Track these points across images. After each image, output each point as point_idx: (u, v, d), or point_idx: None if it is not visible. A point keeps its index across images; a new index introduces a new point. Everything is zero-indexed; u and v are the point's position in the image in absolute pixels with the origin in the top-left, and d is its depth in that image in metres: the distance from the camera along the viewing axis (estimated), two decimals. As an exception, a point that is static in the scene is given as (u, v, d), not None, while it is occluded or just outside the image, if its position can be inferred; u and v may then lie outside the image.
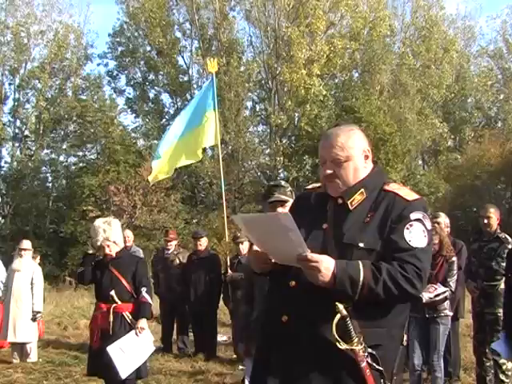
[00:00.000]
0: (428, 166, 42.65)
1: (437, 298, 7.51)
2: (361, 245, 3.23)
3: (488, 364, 8.26)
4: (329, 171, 3.42)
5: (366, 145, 3.53)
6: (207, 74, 35.87)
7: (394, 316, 3.27)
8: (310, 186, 3.80)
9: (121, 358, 7.02)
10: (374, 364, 3.15)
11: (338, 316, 3.07)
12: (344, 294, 3.10)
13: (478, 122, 45.30)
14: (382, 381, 3.19)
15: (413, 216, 3.28)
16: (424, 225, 3.30)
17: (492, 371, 8.21)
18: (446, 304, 7.70)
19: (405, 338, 3.41)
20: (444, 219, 8.88)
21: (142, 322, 7.26)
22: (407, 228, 3.25)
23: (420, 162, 43.43)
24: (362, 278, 3.08)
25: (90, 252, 7.57)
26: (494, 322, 7.90)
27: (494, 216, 8.24)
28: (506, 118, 44.12)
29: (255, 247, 3.41)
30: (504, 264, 7.48)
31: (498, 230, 8.26)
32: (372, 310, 3.17)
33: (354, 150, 3.44)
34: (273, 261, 3.36)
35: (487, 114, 45.34)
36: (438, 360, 7.62)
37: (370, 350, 3.14)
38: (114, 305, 7.24)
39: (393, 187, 3.43)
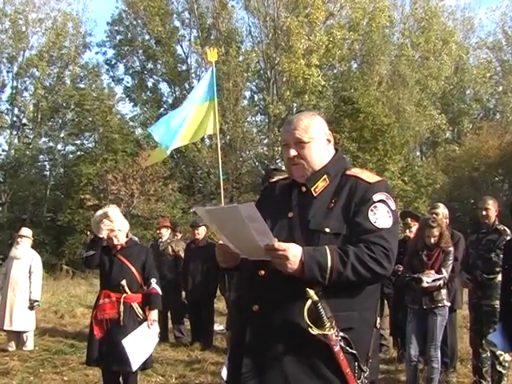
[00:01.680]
0: (426, 158, 42.71)
1: (434, 283, 7.52)
2: (327, 230, 3.27)
3: (484, 355, 8.26)
4: (293, 152, 3.46)
5: (327, 129, 3.59)
6: (206, 64, 35.88)
7: (364, 299, 3.30)
8: (274, 179, 3.84)
9: (134, 351, 6.94)
10: (347, 348, 3.18)
11: (310, 302, 3.09)
12: (313, 280, 3.11)
13: (477, 113, 45.36)
14: (355, 364, 3.22)
15: (376, 197, 3.34)
16: (388, 205, 3.36)
17: (488, 362, 8.21)
18: (444, 295, 7.71)
19: (378, 320, 3.44)
20: (443, 210, 8.86)
21: (154, 314, 7.18)
22: (371, 210, 3.30)
23: (418, 154, 43.52)
24: (329, 263, 3.11)
25: (100, 236, 7.39)
26: (491, 313, 7.89)
27: (492, 208, 8.23)
28: (505, 110, 44.17)
29: (221, 241, 3.41)
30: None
31: (497, 222, 8.25)
32: (342, 294, 3.20)
33: (317, 133, 3.51)
34: (240, 256, 3.37)
35: (486, 105, 45.41)
36: (435, 351, 7.62)
37: (342, 333, 3.16)
38: (124, 295, 7.10)
39: (354, 172, 3.49)
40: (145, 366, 7.39)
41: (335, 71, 41.09)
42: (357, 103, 32.57)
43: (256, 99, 41.57)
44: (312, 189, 3.43)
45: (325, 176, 3.45)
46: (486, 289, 8.05)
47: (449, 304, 7.85)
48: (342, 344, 3.16)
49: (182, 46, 41.14)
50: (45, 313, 15.07)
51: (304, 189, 3.46)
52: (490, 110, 45.97)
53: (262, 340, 3.25)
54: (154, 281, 7.27)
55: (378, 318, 3.45)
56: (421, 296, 7.62)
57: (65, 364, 9.92)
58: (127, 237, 7.49)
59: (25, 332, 11.37)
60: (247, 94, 40.79)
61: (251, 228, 3.09)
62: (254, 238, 3.12)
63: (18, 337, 11.40)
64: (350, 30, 37.95)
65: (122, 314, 7.05)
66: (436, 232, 7.67)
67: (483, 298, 8.09)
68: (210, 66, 12.36)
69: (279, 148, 36.12)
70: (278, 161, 36.53)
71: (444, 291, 7.72)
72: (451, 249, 7.77)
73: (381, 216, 3.30)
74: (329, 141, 3.56)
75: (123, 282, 7.12)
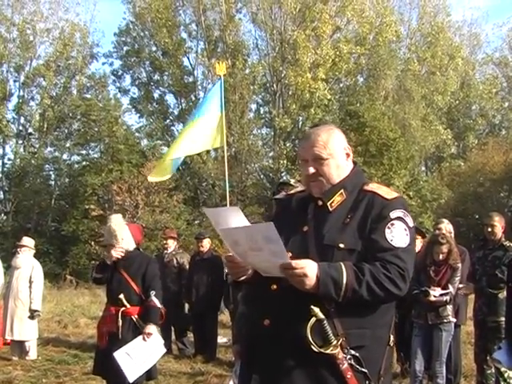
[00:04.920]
0: (431, 173, 42.70)
1: (441, 298, 7.52)
2: (341, 246, 3.21)
3: (489, 372, 8.24)
4: (312, 170, 3.41)
5: (346, 143, 3.55)
6: (212, 76, 36.01)
7: (378, 317, 3.25)
8: (291, 191, 3.80)
9: (128, 363, 6.91)
10: (358, 366, 3.12)
11: (314, 319, 3.05)
12: (327, 297, 3.07)
13: (482, 129, 45.40)
14: (366, 382, 3.17)
15: (393, 214, 3.28)
16: (405, 223, 3.30)
17: (493, 379, 8.20)
18: (450, 311, 7.70)
19: (391, 338, 3.36)
20: (446, 225, 8.84)
21: (150, 328, 7.09)
22: (388, 227, 3.24)
23: (423, 168, 43.51)
24: (344, 280, 3.06)
25: (109, 262, 7.39)
26: (496, 330, 7.88)
27: (498, 224, 8.23)
28: (510, 126, 44.24)
29: (231, 253, 3.35)
30: (508, 272, 7.47)
31: (503, 239, 8.24)
32: (355, 311, 3.14)
33: (336, 148, 3.45)
34: (249, 268, 3.34)
35: (491, 121, 45.42)
36: (440, 367, 7.61)
37: (352, 351, 3.12)
38: (123, 308, 7.09)
39: (372, 187, 3.43)
40: (149, 377, 7.38)
41: (341, 85, 41.15)
42: (363, 117, 32.66)
43: (262, 112, 41.64)
44: (328, 203, 3.38)
45: (341, 191, 3.40)
46: (492, 305, 8.04)
47: (454, 320, 7.84)
48: (352, 362, 3.12)
49: (188, 58, 41.28)
50: (48, 323, 15.05)
51: (320, 203, 3.41)
52: (496, 126, 45.96)
53: (271, 354, 3.22)
54: (153, 293, 7.17)
55: (392, 336, 3.38)
56: (426, 311, 7.62)
57: (68, 374, 9.91)
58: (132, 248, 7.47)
59: (27, 341, 11.38)
60: (253, 106, 40.88)
61: (266, 249, 3.04)
62: (268, 258, 3.08)
63: (20, 346, 11.40)
64: (356, 44, 37.99)
65: (120, 327, 7.06)
66: (445, 249, 7.68)
67: (489, 314, 8.09)
68: (217, 79, 12.39)
69: (284, 161, 36.17)
70: (282, 174, 36.56)
71: (450, 307, 7.72)
72: (459, 265, 7.78)
73: (397, 234, 3.24)
74: (347, 155, 3.52)
75: (121, 296, 7.10)
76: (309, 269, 3.03)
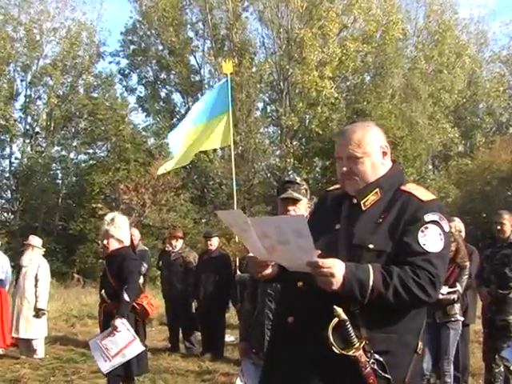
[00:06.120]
0: (438, 171, 42.53)
1: (448, 296, 7.49)
2: (370, 246, 3.13)
3: (497, 370, 8.23)
4: (345, 168, 3.34)
5: (384, 141, 3.46)
6: (219, 75, 35.94)
7: (406, 321, 3.15)
8: (330, 188, 3.68)
9: (99, 352, 7.10)
10: (381, 371, 3.03)
11: (336, 320, 2.99)
12: (351, 297, 3.00)
13: (489, 127, 45.18)
14: None
15: (428, 218, 3.16)
16: (441, 227, 3.18)
17: (501, 377, 8.19)
18: (457, 309, 7.67)
19: (420, 345, 3.23)
20: (457, 224, 8.79)
21: (116, 321, 7.06)
22: (422, 231, 3.12)
23: (430, 167, 43.33)
24: (371, 283, 2.98)
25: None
26: (505, 328, 7.87)
27: (507, 222, 8.20)
28: (518, 124, 44.03)
29: (251, 254, 3.30)
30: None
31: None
32: (382, 314, 3.05)
33: (371, 146, 3.36)
34: (271, 265, 3.27)
35: (499, 119, 45.21)
36: (448, 365, 7.59)
37: (376, 356, 3.03)
38: (105, 304, 7.34)
39: (409, 187, 3.33)
40: (128, 373, 7.38)
41: (348, 83, 41.02)
42: (369, 116, 32.53)
43: (269, 110, 41.52)
44: (362, 202, 3.29)
45: (377, 189, 3.30)
46: (501, 304, 8.03)
47: (462, 318, 7.81)
48: (376, 367, 3.03)
49: (195, 57, 41.26)
50: (56, 321, 15.08)
51: (355, 201, 3.33)
52: (503, 124, 45.75)
53: (293, 353, 3.17)
54: (125, 287, 7.18)
55: (420, 343, 3.24)
56: (434, 309, 7.59)
57: (75, 372, 9.95)
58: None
59: (34, 340, 11.40)
60: (260, 105, 40.74)
61: (295, 243, 2.98)
62: (295, 253, 3.02)
63: (28, 345, 11.42)
64: (363, 42, 37.86)
65: (102, 322, 7.38)
66: (452, 247, 7.64)
67: (498, 313, 8.07)
68: (224, 77, 12.41)
69: (291, 159, 36.13)
70: (289, 172, 36.48)
71: (457, 305, 7.69)
72: (467, 264, 7.74)
73: (431, 238, 3.12)
74: (385, 153, 3.43)
75: (102, 292, 7.39)
76: (336, 268, 2.96)
